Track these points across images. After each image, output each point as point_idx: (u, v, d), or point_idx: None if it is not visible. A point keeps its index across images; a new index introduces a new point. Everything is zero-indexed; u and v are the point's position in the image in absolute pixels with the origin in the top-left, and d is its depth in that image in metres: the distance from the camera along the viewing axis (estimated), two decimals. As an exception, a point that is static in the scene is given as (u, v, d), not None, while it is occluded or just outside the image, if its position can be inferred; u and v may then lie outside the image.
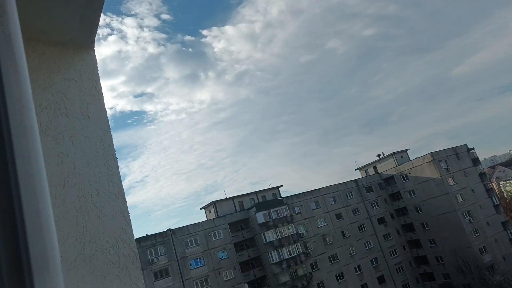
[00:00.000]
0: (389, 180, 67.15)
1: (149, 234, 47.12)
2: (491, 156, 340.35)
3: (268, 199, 57.75)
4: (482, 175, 64.34)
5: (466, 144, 65.47)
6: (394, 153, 69.29)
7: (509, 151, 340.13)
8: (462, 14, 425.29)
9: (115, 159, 1.86)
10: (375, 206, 64.89)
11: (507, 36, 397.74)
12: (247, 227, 53.78)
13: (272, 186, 60.10)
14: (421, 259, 62.67)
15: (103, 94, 1.96)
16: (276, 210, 52.68)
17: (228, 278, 48.74)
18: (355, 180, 65.58)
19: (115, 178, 1.80)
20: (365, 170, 75.39)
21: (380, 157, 72.26)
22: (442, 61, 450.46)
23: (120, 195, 1.78)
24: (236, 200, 56.58)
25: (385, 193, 67.15)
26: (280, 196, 59.36)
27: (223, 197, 57.04)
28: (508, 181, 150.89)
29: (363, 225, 61.50)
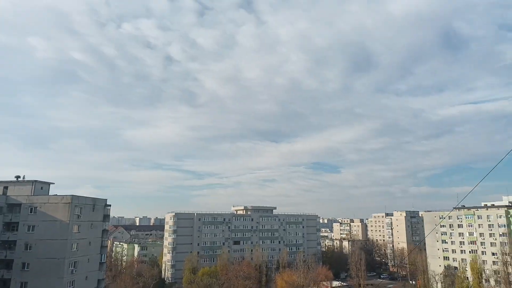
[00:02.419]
0: (14, 206, 59.51)
1: None
2: (119, 216, 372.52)
3: None
4: (104, 231, 68.50)
5: (106, 200, 69.22)
6: (36, 181, 63.50)
7: (135, 217, 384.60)
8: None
9: None
10: (-20, 231, 54.53)
11: (178, 123, 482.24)
12: None
13: None
14: (1, 302, 55.46)
15: None
16: None
17: None
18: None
19: None
20: (-9, 186, 63.99)
21: (19, 179, 64.20)
22: (125, 119, 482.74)
23: None
24: None
25: (2, 219, 58.41)
26: None
27: None
28: (121, 242, 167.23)
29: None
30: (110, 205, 69.84)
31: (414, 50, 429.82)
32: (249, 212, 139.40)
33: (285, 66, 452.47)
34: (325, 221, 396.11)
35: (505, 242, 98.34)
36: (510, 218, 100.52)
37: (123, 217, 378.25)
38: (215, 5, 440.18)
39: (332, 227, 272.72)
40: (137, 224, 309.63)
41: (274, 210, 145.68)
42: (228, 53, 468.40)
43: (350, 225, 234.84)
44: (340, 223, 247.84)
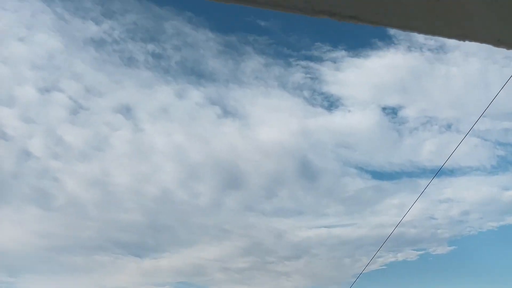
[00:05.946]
0: None
1: None
2: None
3: None
4: None
5: None
6: None
7: None
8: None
9: None
10: None
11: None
12: None
13: None
14: None
15: None
16: None
17: None
18: None
19: None
20: None
21: None
22: None
23: None
24: None
25: None
26: None
27: None
28: None
29: None
30: None
31: (278, 175, 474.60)
32: None
33: (157, 175, 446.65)
34: None
35: None
36: None
37: None
38: (92, 105, 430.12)
39: None
40: None
41: None
42: (98, 155, 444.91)
43: None
44: None
